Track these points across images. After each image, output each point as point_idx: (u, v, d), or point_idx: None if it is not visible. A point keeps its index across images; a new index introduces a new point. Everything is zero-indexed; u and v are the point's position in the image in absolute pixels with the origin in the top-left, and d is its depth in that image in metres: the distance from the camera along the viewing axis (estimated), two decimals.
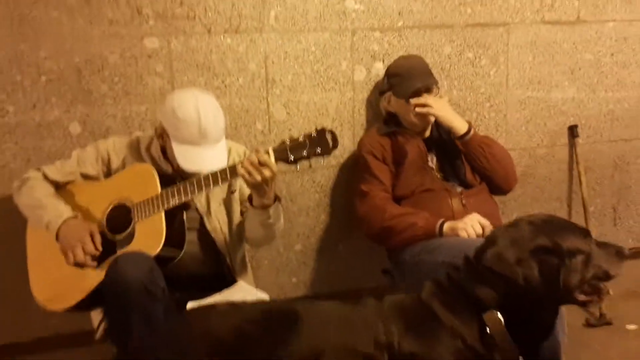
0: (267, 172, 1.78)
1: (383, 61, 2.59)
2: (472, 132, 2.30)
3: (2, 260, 2.30)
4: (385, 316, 1.30)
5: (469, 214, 2.14)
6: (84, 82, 2.28)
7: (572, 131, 2.93)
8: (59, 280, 2.01)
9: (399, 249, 2.25)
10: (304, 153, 1.78)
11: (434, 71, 2.53)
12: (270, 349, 1.28)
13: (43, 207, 1.95)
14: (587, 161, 3.02)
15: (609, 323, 2.84)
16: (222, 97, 2.42)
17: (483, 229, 2.07)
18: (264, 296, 2.03)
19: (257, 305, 1.43)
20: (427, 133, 2.47)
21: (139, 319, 1.72)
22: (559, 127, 2.94)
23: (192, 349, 1.31)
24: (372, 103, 2.64)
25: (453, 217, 2.20)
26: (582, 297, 1.40)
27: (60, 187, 2.07)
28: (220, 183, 1.84)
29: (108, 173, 2.07)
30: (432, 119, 2.40)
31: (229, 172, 1.82)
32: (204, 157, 1.86)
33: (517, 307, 1.28)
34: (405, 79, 2.37)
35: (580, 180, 2.93)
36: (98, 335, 1.95)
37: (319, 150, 1.78)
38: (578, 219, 3.01)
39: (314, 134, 1.79)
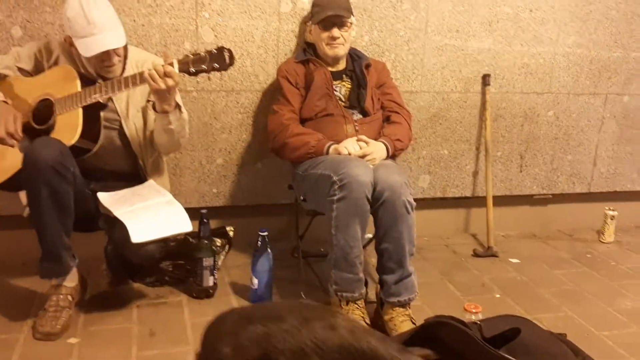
0: (170, 81, 2.05)
1: None
2: (390, 152, 2.50)
3: None
4: None
5: None
6: None
7: (485, 79, 3.16)
8: None
9: (296, 165, 2.54)
10: (204, 66, 2.05)
11: (356, 11, 2.76)
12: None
13: None
14: (498, 109, 3.27)
15: (494, 255, 3.18)
16: (153, 15, 2.65)
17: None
18: (169, 195, 2.33)
19: None
20: (344, 64, 2.72)
21: (47, 193, 2.06)
22: (474, 75, 3.17)
23: None
24: (297, 35, 2.86)
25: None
26: None
27: None
28: (130, 86, 2.10)
29: (42, 70, 2.33)
30: (342, 52, 2.65)
31: (139, 77, 2.08)
32: (98, 42, 2.11)
33: None
34: (323, 8, 2.61)
35: (485, 125, 3.19)
36: (25, 213, 2.25)
37: (216, 65, 2.05)
38: (483, 161, 3.29)
39: (214, 50, 2.06)
